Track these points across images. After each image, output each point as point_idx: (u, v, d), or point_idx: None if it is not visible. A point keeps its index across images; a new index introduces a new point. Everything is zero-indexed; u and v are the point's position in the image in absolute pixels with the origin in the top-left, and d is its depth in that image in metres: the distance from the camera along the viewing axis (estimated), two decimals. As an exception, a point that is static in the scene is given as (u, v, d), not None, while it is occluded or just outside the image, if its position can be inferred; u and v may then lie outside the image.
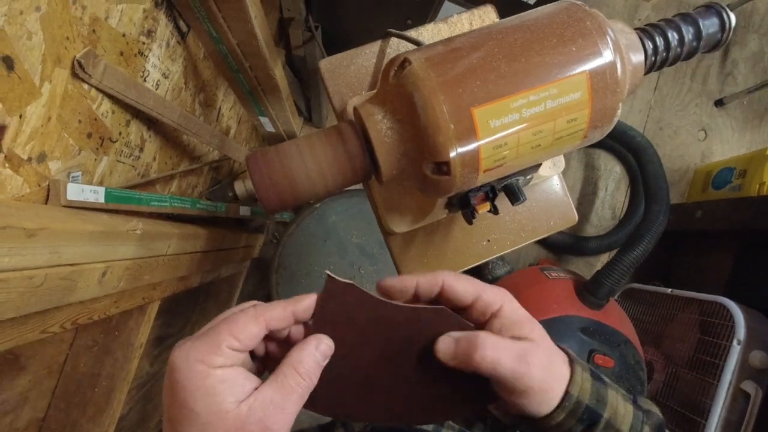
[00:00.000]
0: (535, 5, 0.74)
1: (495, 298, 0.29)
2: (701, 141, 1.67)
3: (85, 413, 0.60)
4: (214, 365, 0.25)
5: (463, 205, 0.43)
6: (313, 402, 0.28)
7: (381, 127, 0.34)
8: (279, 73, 0.76)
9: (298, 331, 0.30)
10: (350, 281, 0.29)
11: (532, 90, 0.32)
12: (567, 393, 0.28)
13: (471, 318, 0.30)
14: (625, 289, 1.46)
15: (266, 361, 0.31)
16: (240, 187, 0.47)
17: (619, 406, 0.30)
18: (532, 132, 0.33)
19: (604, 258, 1.59)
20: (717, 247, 1.35)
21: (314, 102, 1.34)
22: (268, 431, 0.24)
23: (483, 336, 0.27)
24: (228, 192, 0.91)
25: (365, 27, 1.04)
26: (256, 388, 0.25)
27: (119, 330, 0.62)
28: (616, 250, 1.52)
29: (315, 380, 0.27)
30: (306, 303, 0.28)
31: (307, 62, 1.16)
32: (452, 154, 0.32)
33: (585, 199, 1.61)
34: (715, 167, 1.54)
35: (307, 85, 1.29)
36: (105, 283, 0.44)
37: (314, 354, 0.27)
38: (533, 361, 0.27)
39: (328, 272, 0.29)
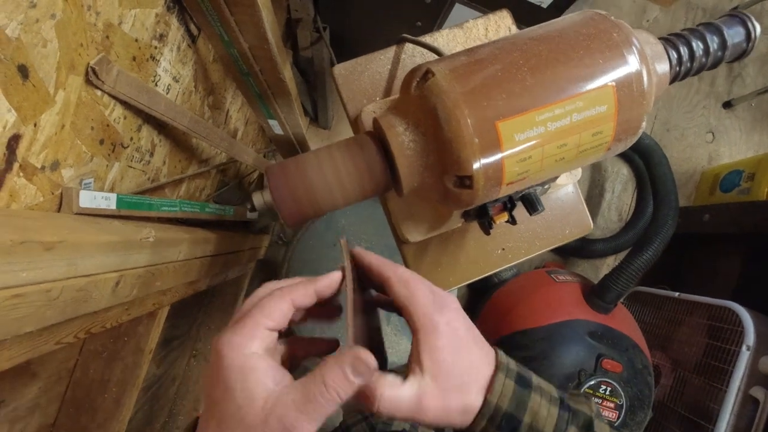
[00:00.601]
0: (548, 8, 0.74)
1: (418, 318, 0.30)
2: (709, 143, 1.66)
3: (94, 419, 0.60)
4: (253, 349, 0.26)
5: (481, 215, 0.43)
6: None
7: (403, 139, 0.33)
8: (288, 75, 0.76)
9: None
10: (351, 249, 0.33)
11: (557, 103, 0.31)
12: (486, 400, 0.29)
13: (403, 317, 0.32)
14: (631, 291, 1.46)
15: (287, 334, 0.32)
16: (258, 199, 0.47)
17: (542, 408, 0.30)
18: (557, 145, 0.32)
19: (610, 260, 1.58)
20: (725, 251, 1.34)
21: (321, 103, 1.34)
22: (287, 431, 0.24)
23: (380, 393, 0.28)
24: (235, 195, 0.90)
25: (374, 28, 1.03)
26: (286, 385, 0.26)
27: (129, 336, 0.62)
28: (622, 253, 1.52)
29: (344, 396, 0.26)
30: (326, 281, 0.31)
31: (315, 63, 1.15)
32: (476, 168, 0.31)
33: (592, 201, 1.60)
34: (723, 170, 1.53)
35: (314, 86, 1.28)
36: (118, 293, 0.43)
37: (347, 373, 0.26)
38: (427, 405, 0.28)
39: (342, 240, 0.32)
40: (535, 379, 0.32)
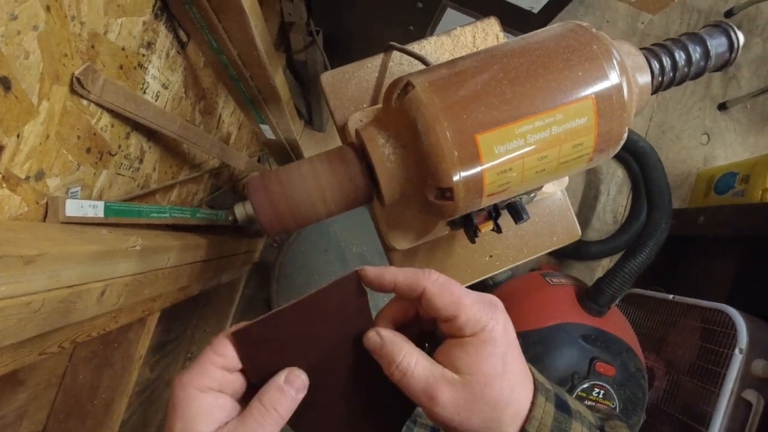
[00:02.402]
0: (539, 13, 0.74)
1: (468, 324, 0.26)
2: (704, 145, 1.66)
3: (84, 425, 0.60)
4: (202, 387, 0.25)
5: (466, 223, 0.43)
6: None
7: (383, 151, 0.33)
8: (280, 80, 0.76)
9: None
10: (249, 322, 0.27)
11: (537, 116, 0.31)
12: (523, 430, 0.26)
13: (442, 328, 0.28)
14: (625, 294, 1.46)
15: None
16: (240, 211, 0.46)
17: None
18: (537, 157, 0.32)
19: (605, 262, 1.58)
20: (720, 254, 1.34)
21: (315, 106, 1.34)
22: None
23: (399, 360, 0.26)
24: (228, 199, 0.90)
25: (367, 32, 1.03)
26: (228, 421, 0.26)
27: (119, 342, 0.62)
28: (617, 255, 1.52)
29: (284, 413, 0.26)
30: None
31: (309, 66, 1.15)
32: (455, 180, 0.31)
33: (587, 204, 1.60)
34: (718, 172, 1.53)
35: (309, 89, 1.28)
36: (104, 302, 0.43)
37: (281, 386, 0.26)
38: (442, 400, 0.25)
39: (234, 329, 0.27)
40: (572, 402, 0.29)
